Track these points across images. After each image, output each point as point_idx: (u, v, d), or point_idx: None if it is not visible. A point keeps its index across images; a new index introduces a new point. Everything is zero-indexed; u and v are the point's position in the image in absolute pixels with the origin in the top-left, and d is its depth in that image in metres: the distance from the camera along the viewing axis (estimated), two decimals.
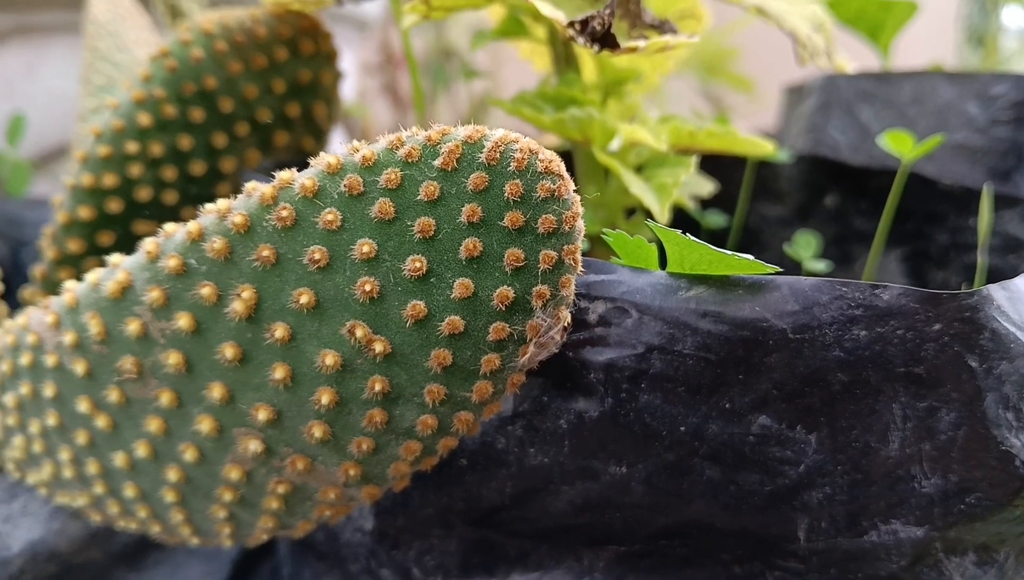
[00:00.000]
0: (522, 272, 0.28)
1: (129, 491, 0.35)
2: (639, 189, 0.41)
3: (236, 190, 0.49)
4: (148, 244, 0.30)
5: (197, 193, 0.48)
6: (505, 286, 0.28)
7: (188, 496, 0.34)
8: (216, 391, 0.30)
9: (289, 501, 0.33)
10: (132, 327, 0.30)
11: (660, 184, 0.43)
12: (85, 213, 0.44)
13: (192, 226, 0.29)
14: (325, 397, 0.29)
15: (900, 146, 0.44)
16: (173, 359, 0.30)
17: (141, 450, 0.33)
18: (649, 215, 0.41)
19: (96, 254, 0.46)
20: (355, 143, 0.28)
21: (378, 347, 0.28)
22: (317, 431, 0.30)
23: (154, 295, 0.30)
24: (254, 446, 0.31)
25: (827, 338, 0.30)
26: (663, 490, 0.33)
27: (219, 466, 0.32)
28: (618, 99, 0.50)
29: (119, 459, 0.34)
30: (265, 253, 0.28)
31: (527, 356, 0.29)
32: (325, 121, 0.53)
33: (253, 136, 0.49)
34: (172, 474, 0.33)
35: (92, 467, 0.36)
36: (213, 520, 0.35)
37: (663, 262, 0.34)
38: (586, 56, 0.52)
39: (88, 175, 0.44)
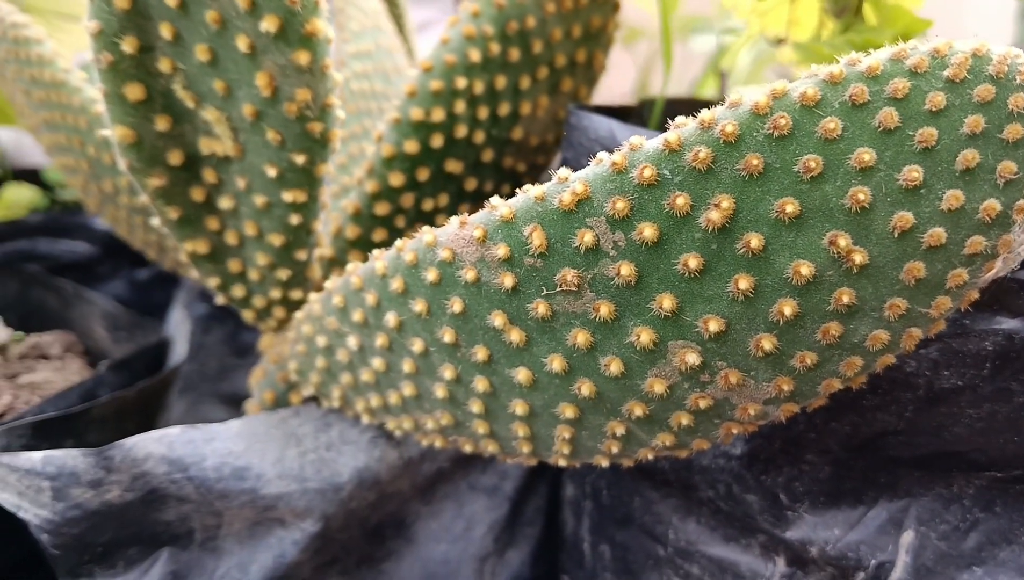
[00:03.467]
0: (1011, 185, 0.28)
1: (518, 408, 0.36)
2: None
3: (528, 134, 0.50)
4: (615, 157, 0.30)
5: (496, 135, 0.49)
6: (993, 199, 0.28)
7: (588, 412, 0.35)
8: (666, 302, 0.31)
9: (700, 417, 0.34)
10: (586, 238, 0.31)
11: None
12: (411, 147, 0.45)
13: (671, 136, 0.30)
14: (787, 308, 0.29)
15: None
16: (625, 270, 0.31)
17: (555, 364, 0.34)
18: None
19: (414, 189, 0.47)
20: (855, 55, 0.28)
21: (857, 258, 0.29)
22: (766, 344, 0.30)
23: (619, 206, 0.30)
24: (692, 358, 0.31)
25: None
26: None
27: (641, 380, 0.33)
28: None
29: (521, 375, 0.35)
30: (754, 162, 0.29)
31: (992, 272, 0.29)
32: (600, 69, 0.53)
33: (547, 80, 0.50)
34: (585, 388, 0.34)
35: (480, 385, 0.36)
36: (604, 437, 0.36)
37: None
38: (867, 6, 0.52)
39: (417, 109, 0.45)
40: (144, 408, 0.51)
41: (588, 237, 0.31)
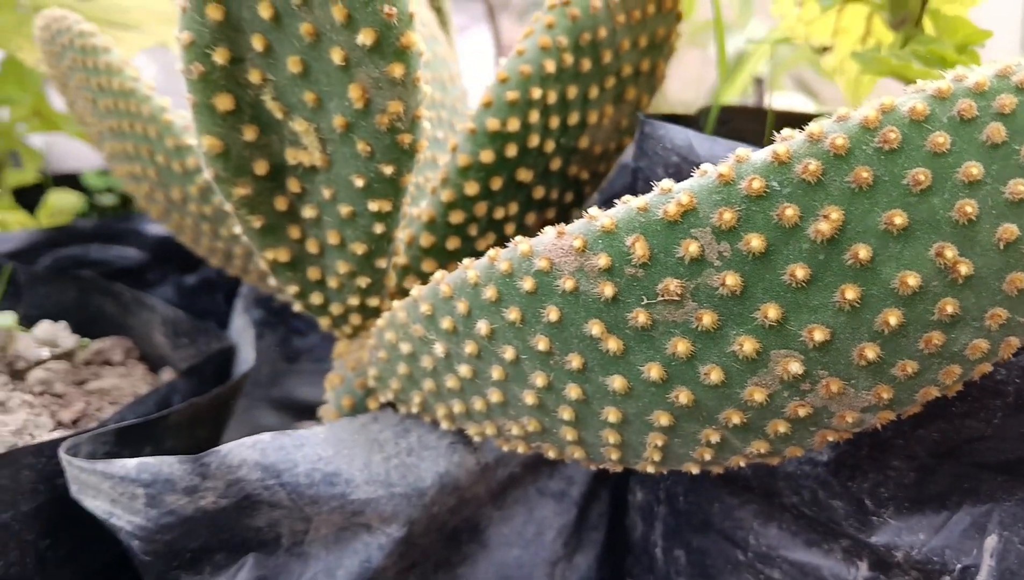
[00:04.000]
0: None
1: (611, 416, 0.37)
2: None
3: (593, 142, 0.50)
4: (721, 169, 0.31)
5: (565, 144, 0.50)
6: None
7: (683, 420, 0.35)
8: (771, 312, 0.31)
9: (797, 425, 0.34)
10: (691, 249, 0.31)
11: None
12: (487, 157, 0.45)
13: (780, 148, 0.30)
14: (892, 318, 0.30)
15: None
16: (730, 281, 0.31)
17: (653, 372, 0.34)
18: None
19: (487, 198, 0.47)
20: (961, 70, 0.29)
21: (963, 269, 0.29)
22: (870, 353, 0.31)
23: (726, 217, 0.31)
24: (794, 367, 0.32)
25: None
26: None
27: (740, 388, 0.33)
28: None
29: (616, 383, 0.35)
30: (864, 175, 0.29)
31: None
32: (661, 79, 0.54)
33: (613, 89, 0.50)
34: (683, 396, 0.34)
35: (573, 392, 0.37)
36: (698, 444, 0.36)
37: None
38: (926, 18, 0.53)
39: (494, 119, 0.45)
40: (215, 415, 0.52)
41: (693, 247, 0.31)
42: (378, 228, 0.43)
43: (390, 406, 0.48)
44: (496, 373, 0.39)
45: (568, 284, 0.35)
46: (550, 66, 0.45)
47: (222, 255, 0.58)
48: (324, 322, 0.49)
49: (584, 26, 0.46)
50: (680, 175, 0.44)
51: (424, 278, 0.50)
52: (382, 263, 0.45)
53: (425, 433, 0.46)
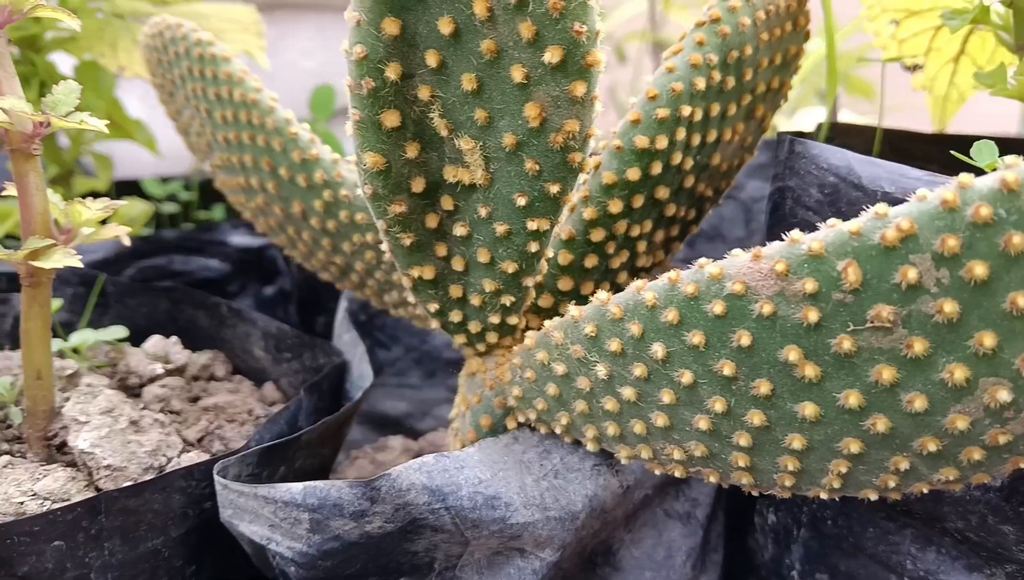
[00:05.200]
0: None
1: (795, 443, 0.36)
2: None
3: (722, 160, 0.50)
4: (945, 194, 0.30)
5: (699, 161, 0.49)
6: None
7: (873, 447, 0.35)
8: (987, 340, 0.30)
9: (992, 453, 0.34)
10: (910, 275, 0.31)
11: None
12: (633, 175, 0.45)
13: (1009, 176, 0.30)
14: None
15: None
16: (948, 308, 0.31)
17: (851, 400, 0.34)
18: None
19: (627, 216, 0.47)
20: None
21: None
22: None
23: (950, 243, 0.30)
24: (1003, 395, 0.31)
25: None
26: None
27: (942, 416, 0.33)
28: None
29: (807, 410, 0.35)
30: None
31: None
32: (786, 96, 0.54)
33: (746, 107, 0.50)
34: (880, 424, 0.34)
35: (756, 418, 0.36)
36: (884, 471, 0.36)
37: None
38: None
39: (642, 137, 0.45)
40: (337, 433, 0.51)
41: (912, 274, 0.31)
42: (533, 247, 0.42)
43: (527, 426, 0.47)
44: (667, 397, 0.38)
45: (765, 309, 0.34)
46: (700, 84, 0.45)
47: (338, 270, 0.57)
48: (459, 339, 0.48)
49: (732, 44, 0.45)
50: (837, 196, 0.44)
51: (559, 296, 0.49)
52: (529, 282, 0.44)
53: (566, 455, 0.45)
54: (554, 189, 0.40)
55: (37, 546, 0.37)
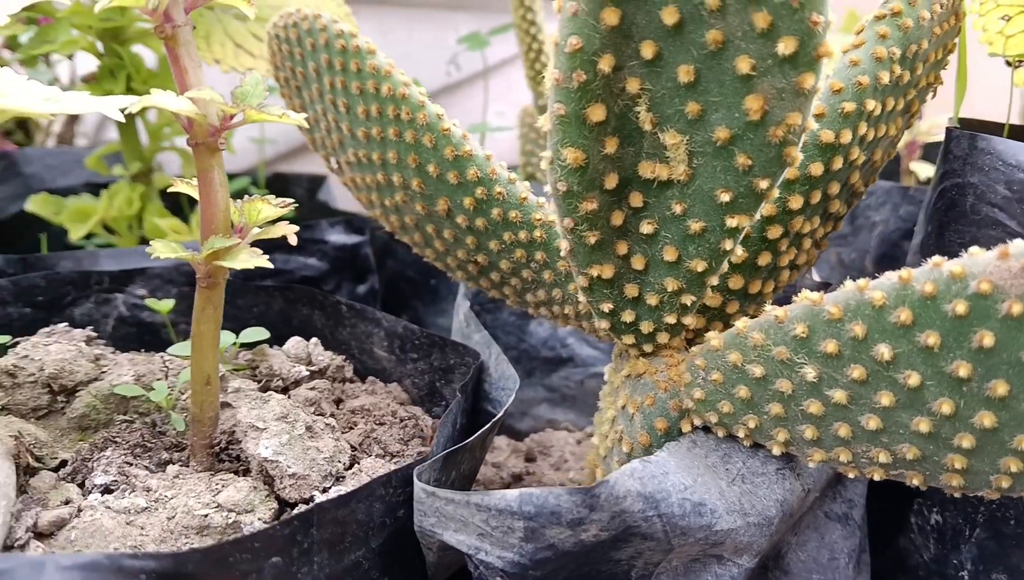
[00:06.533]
0: None
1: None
2: None
3: (882, 155, 0.49)
4: None
5: (866, 155, 0.48)
6: None
7: None
8: None
9: None
10: None
11: None
12: (816, 169, 0.44)
13: None
14: None
15: None
16: None
17: None
18: None
19: (804, 212, 0.46)
20: None
21: None
22: None
23: None
24: None
25: None
26: None
27: None
28: None
29: None
30: None
31: None
32: (935, 91, 0.53)
33: (907, 102, 0.49)
34: None
35: (986, 420, 0.35)
36: None
37: None
38: None
39: (828, 131, 0.44)
40: (488, 436, 0.50)
41: None
42: (727, 244, 0.41)
43: (701, 429, 0.46)
44: (886, 399, 0.37)
45: (1015, 309, 0.33)
46: (885, 78, 0.44)
47: (476, 268, 0.56)
48: (626, 339, 0.47)
49: (912, 38, 0.45)
50: None
51: (728, 295, 0.48)
52: (713, 281, 0.43)
53: (747, 458, 0.44)
54: (763, 184, 0.38)
55: (257, 563, 0.35)
